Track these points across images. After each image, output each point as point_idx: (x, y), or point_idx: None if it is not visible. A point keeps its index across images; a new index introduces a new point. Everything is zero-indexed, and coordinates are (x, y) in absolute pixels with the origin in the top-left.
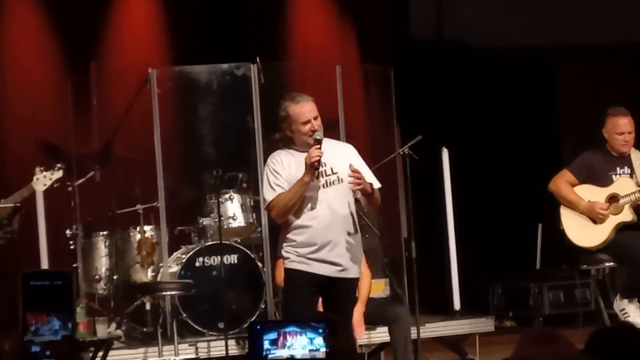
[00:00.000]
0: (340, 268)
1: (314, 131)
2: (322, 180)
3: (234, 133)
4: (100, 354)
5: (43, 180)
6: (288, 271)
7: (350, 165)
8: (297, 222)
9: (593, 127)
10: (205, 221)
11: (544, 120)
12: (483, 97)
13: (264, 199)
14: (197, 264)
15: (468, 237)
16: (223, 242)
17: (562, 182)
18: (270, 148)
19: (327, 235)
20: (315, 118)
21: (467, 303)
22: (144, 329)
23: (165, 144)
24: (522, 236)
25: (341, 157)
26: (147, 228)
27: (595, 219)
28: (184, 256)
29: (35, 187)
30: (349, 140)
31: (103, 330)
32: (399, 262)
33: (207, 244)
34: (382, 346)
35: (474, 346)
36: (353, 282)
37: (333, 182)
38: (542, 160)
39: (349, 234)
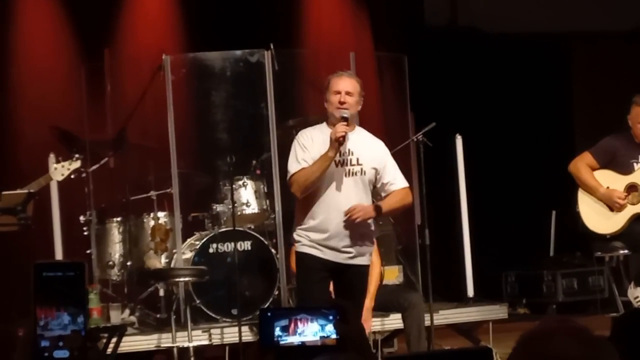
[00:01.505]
0: (350, 255)
1: (341, 103)
2: (346, 169)
3: (248, 120)
4: (114, 340)
5: (61, 170)
6: (299, 255)
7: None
8: (314, 206)
9: (607, 114)
10: (219, 208)
11: (558, 107)
12: (497, 84)
13: (288, 171)
14: (211, 251)
15: (481, 224)
16: (237, 228)
17: (583, 165)
18: (284, 135)
19: (340, 224)
20: (347, 93)
21: (480, 290)
22: (158, 315)
23: (179, 131)
24: (535, 223)
25: (370, 150)
26: (160, 214)
27: (613, 207)
28: (197, 243)
29: (53, 176)
30: (362, 127)
31: (117, 316)
32: (413, 249)
33: (220, 230)
34: (395, 333)
35: (487, 333)
36: (364, 269)
37: (355, 173)
38: (556, 147)
39: (362, 225)
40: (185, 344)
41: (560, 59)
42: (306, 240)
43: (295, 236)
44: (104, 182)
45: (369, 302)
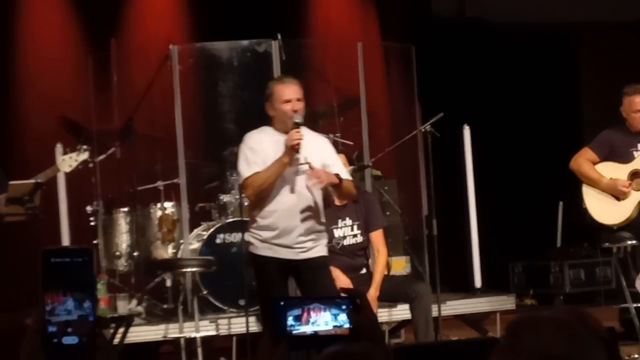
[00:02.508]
0: (303, 250)
1: (294, 111)
2: (294, 168)
3: (255, 110)
4: (121, 330)
5: (69, 161)
6: (254, 257)
7: (308, 168)
8: (264, 206)
9: (615, 104)
10: (225, 198)
11: (566, 97)
12: (505, 75)
13: (240, 175)
14: (218, 241)
15: (489, 214)
16: (244, 218)
17: (583, 160)
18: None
19: (291, 222)
20: (298, 100)
21: (487, 281)
22: (165, 306)
23: (186, 121)
24: (543, 214)
25: (316, 148)
26: (167, 205)
27: (618, 195)
28: (204, 233)
29: (61, 167)
30: (370, 118)
31: (124, 306)
32: (420, 239)
33: (227, 220)
34: (402, 323)
35: (494, 324)
36: (320, 260)
37: (304, 172)
38: (564, 137)
39: (313, 222)
40: (193, 335)
41: (568, 50)
42: (258, 241)
43: (248, 237)
44: (111, 172)
45: (374, 292)
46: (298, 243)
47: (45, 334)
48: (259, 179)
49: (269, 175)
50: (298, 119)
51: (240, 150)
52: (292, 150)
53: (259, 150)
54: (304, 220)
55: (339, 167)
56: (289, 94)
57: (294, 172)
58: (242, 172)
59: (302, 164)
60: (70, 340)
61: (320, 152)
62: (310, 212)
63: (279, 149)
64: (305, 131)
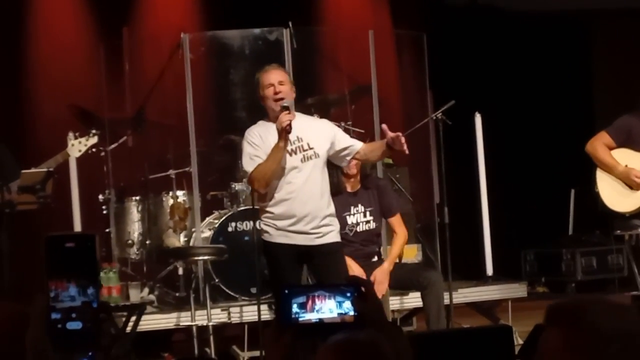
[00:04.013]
0: (318, 235)
1: (276, 93)
2: (300, 155)
3: None
4: (133, 318)
5: (78, 146)
6: (268, 245)
7: (385, 128)
8: (276, 195)
9: (627, 92)
10: (237, 186)
11: (578, 85)
12: (516, 62)
13: (244, 171)
14: (230, 229)
15: (501, 202)
16: (255, 207)
17: (600, 145)
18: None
19: (304, 208)
20: (280, 83)
21: (499, 269)
22: (177, 294)
23: (197, 109)
24: (554, 202)
25: (317, 132)
26: (179, 193)
27: (631, 184)
28: (216, 221)
29: (70, 153)
30: (381, 105)
31: (136, 295)
32: (432, 227)
33: (239, 209)
34: (414, 311)
35: (506, 312)
36: (335, 246)
37: (310, 157)
38: (576, 125)
39: (325, 207)
40: (205, 323)
41: (580, 37)
42: (274, 230)
43: (262, 226)
44: (123, 160)
45: (387, 265)
46: (314, 228)
47: (49, 320)
48: (262, 170)
49: (269, 163)
50: (286, 103)
51: (243, 147)
52: (284, 132)
53: (259, 143)
54: (316, 205)
55: (347, 138)
56: (270, 79)
57: (301, 158)
58: (246, 168)
59: (306, 149)
60: (74, 325)
61: (321, 134)
62: (321, 197)
63: (277, 137)
64: (302, 117)
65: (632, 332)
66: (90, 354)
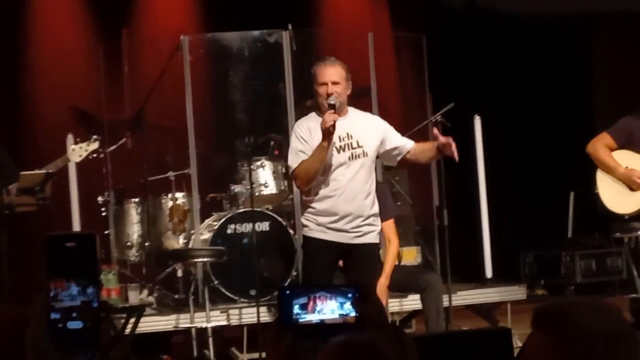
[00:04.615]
0: (358, 234)
1: (328, 95)
2: (348, 153)
3: (266, 100)
4: (132, 320)
5: (79, 151)
6: (307, 240)
7: (436, 133)
8: (321, 191)
9: (626, 94)
10: (236, 188)
11: (577, 87)
12: (516, 64)
13: (289, 166)
14: (229, 231)
15: (500, 205)
16: (255, 209)
17: (601, 146)
18: (302, 115)
19: (348, 207)
20: (334, 83)
21: (498, 271)
22: (176, 296)
23: (197, 111)
24: (554, 204)
25: (368, 130)
26: (178, 195)
27: (632, 186)
28: (215, 223)
29: (71, 157)
30: (381, 108)
31: (135, 296)
32: (431, 229)
33: (238, 211)
34: (413, 313)
35: (505, 314)
36: (372, 247)
37: (358, 155)
38: (575, 128)
39: (369, 206)
40: (204, 325)
41: (579, 40)
42: (314, 225)
43: (303, 220)
44: (122, 162)
45: (384, 281)
46: (354, 228)
47: (49, 320)
48: (305, 168)
49: (312, 162)
50: (332, 100)
51: (291, 140)
52: (327, 132)
53: (307, 138)
54: (360, 204)
55: (398, 137)
56: (324, 77)
57: (349, 156)
58: (290, 163)
59: (355, 147)
60: (75, 325)
61: (371, 133)
62: (366, 196)
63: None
64: (355, 113)
65: (617, 333)
66: (90, 353)
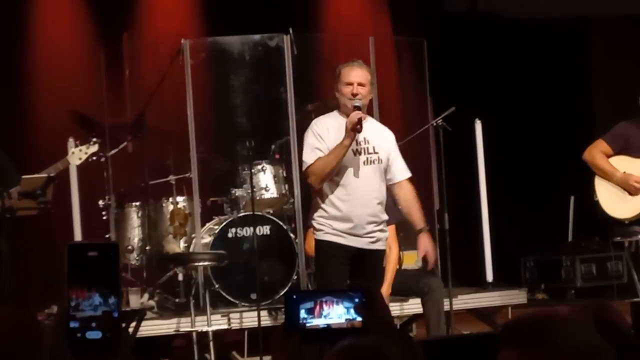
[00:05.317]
0: (372, 240)
1: (354, 95)
2: (363, 157)
3: (267, 104)
4: (133, 324)
5: (79, 154)
6: (321, 243)
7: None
8: (334, 194)
9: (626, 98)
10: (237, 192)
11: (577, 91)
12: (516, 69)
13: (304, 162)
14: (230, 235)
15: (500, 208)
16: (255, 213)
17: (597, 152)
18: (303, 119)
19: (362, 212)
20: (360, 84)
21: (499, 275)
22: (177, 300)
23: (198, 115)
24: (554, 208)
25: (383, 139)
26: (179, 199)
27: (630, 190)
28: (216, 227)
29: (71, 160)
30: (381, 111)
31: (136, 300)
32: (432, 234)
33: (239, 215)
34: (414, 317)
35: (506, 318)
36: (381, 253)
37: (373, 161)
38: (575, 132)
39: (381, 212)
40: (204, 329)
41: (579, 43)
42: (329, 229)
43: (316, 225)
44: (123, 166)
45: (385, 289)
46: (368, 233)
47: (68, 329)
48: (321, 165)
49: (330, 159)
50: (358, 102)
51: (307, 135)
52: (353, 131)
53: (325, 135)
54: (373, 210)
55: (400, 161)
56: (351, 77)
57: (363, 161)
58: (306, 159)
59: (371, 153)
60: (93, 335)
61: (386, 144)
62: (378, 201)
63: (342, 133)
64: (372, 121)
65: (591, 348)
66: None
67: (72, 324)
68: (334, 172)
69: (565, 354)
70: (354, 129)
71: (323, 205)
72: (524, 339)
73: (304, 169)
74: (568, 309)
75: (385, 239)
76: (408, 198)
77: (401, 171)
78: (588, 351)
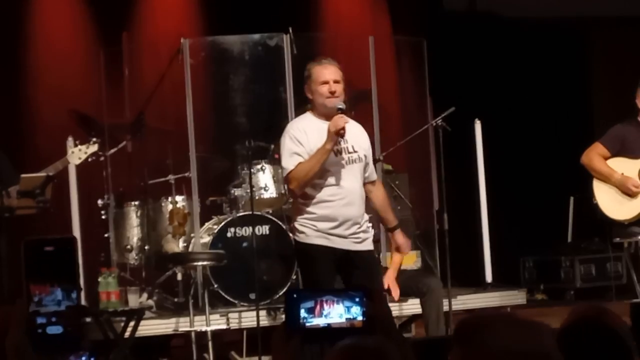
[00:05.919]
0: (357, 240)
1: (331, 92)
2: (345, 157)
3: (266, 104)
4: (132, 323)
5: (78, 153)
6: (304, 246)
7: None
8: (318, 195)
9: (626, 99)
10: (236, 192)
11: (577, 92)
12: (516, 69)
13: (283, 168)
14: (229, 235)
15: (500, 209)
16: (255, 213)
17: (595, 155)
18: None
19: (348, 212)
20: (335, 82)
21: (498, 275)
22: (176, 299)
23: (197, 115)
24: (553, 209)
25: (360, 138)
26: (179, 198)
27: (628, 193)
28: (215, 227)
29: (70, 160)
30: (381, 111)
31: (135, 300)
32: (431, 234)
33: (238, 214)
34: (413, 318)
35: None
36: (371, 254)
37: (354, 160)
38: (575, 132)
39: (363, 212)
40: (203, 328)
41: (579, 44)
42: (312, 231)
43: (298, 226)
44: (122, 165)
45: (392, 272)
46: (353, 234)
47: (33, 325)
48: (303, 170)
49: (312, 164)
50: (340, 105)
51: (283, 141)
52: (337, 135)
53: (303, 140)
54: (358, 210)
55: (371, 164)
56: (326, 75)
57: (344, 161)
58: (285, 165)
59: (351, 152)
60: (54, 330)
61: (364, 144)
62: (361, 202)
63: (323, 137)
64: (349, 120)
65: (533, 352)
66: (70, 357)
67: (40, 320)
68: (316, 177)
69: (498, 354)
70: (338, 133)
71: (307, 207)
72: (467, 339)
73: (284, 175)
74: (513, 311)
75: (371, 239)
76: (381, 197)
77: (374, 170)
78: (526, 353)
